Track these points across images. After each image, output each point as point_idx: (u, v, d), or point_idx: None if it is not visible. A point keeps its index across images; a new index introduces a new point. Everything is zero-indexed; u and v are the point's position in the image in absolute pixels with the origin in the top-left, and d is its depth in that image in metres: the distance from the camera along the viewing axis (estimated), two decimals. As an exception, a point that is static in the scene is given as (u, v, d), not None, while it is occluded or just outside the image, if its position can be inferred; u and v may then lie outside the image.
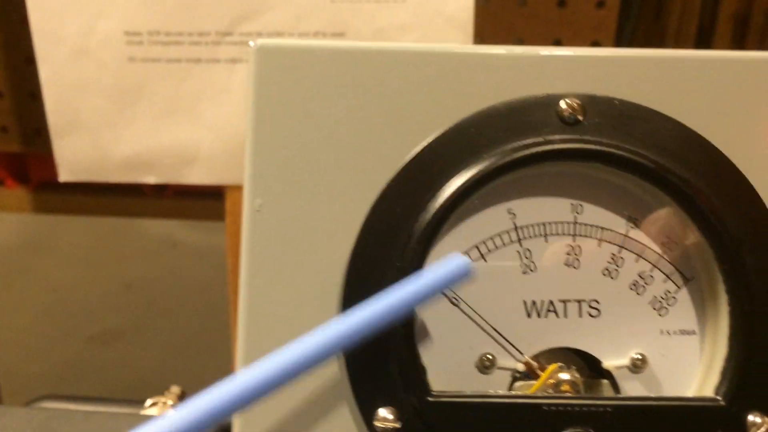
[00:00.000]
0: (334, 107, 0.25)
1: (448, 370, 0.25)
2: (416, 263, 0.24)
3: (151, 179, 0.58)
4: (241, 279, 0.25)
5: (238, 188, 0.39)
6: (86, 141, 0.58)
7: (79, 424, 0.43)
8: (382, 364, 0.24)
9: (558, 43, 0.65)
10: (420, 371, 0.24)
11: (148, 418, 0.44)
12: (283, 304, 0.25)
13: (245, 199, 0.25)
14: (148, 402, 0.49)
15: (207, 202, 0.72)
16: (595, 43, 0.64)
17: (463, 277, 0.23)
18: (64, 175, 0.59)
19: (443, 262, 0.23)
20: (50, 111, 0.57)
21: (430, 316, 0.25)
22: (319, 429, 0.24)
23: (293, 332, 0.25)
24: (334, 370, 0.24)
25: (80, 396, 0.49)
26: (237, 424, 0.24)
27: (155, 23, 0.55)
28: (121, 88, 0.56)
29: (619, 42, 0.66)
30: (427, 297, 0.23)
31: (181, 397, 0.50)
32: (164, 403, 0.48)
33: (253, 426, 0.24)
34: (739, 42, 0.68)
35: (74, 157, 0.58)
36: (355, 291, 0.24)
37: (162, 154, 0.58)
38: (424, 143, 0.25)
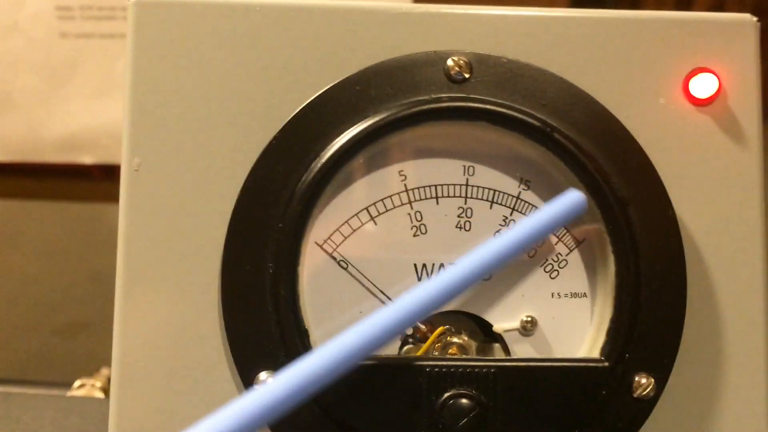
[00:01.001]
0: (214, 64, 0.24)
1: (337, 334, 0.25)
2: (298, 224, 0.23)
3: (87, 159, 0.57)
4: (119, 241, 0.24)
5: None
6: (19, 120, 0.56)
7: (-3, 405, 0.42)
8: (263, 327, 0.23)
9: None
10: (302, 334, 0.23)
11: (72, 400, 0.43)
12: (163, 265, 0.24)
13: (123, 159, 0.24)
14: (77, 383, 0.47)
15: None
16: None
17: (578, 211, 0.22)
18: (-2, 155, 0.57)
19: (558, 199, 0.21)
20: (-19, 89, 0.56)
21: (318, 280, 0.24)
22: (196, 395, 0.24)
23: (174, 294, 0.24)
24: (212, 333, 0.24)
25: (4, 378, 0.47)
26: (114, 396, 0.24)
27: (87, -2, 0.53)
28: (54, 65, 0.55)
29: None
30: (544, 234, 0.22)
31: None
32: (93, 385, 0.47)
33: (132, 395, 0.24)
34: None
35: (7, 137, 0.57)
36: (235, 252, 0.24)
37: (98, 133, 0.56)
38: (308, 101, 0.24)
